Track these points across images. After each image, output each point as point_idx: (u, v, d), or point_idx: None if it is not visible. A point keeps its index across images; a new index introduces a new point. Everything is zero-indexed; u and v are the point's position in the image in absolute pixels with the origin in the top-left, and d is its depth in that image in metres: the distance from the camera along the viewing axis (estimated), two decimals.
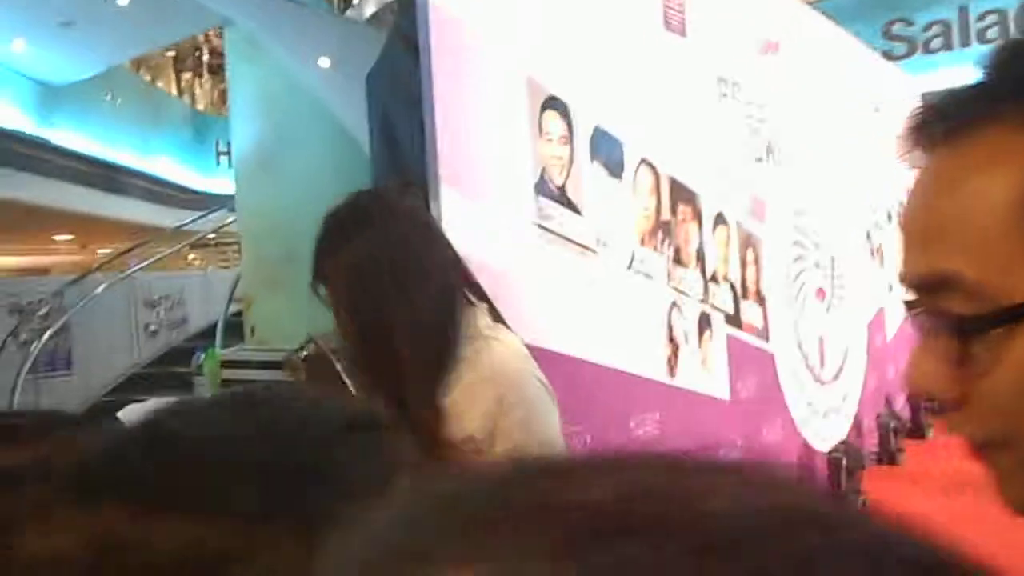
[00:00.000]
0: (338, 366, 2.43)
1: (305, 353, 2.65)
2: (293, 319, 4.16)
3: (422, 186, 2.74)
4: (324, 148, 5.43)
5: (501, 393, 1.53)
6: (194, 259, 14.32)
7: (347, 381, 2.41)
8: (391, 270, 1.58)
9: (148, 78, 13.06)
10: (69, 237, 13.24)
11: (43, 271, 15.76)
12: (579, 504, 0.25)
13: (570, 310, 3.00)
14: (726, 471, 0.27)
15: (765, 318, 4.32)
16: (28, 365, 6.46)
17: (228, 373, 4.07)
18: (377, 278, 1.58)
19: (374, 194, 1.90)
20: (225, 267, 13.12)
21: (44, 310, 8.50)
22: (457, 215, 2.70)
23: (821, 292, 5.01)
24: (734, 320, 4.03)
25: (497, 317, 1.67)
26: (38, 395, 6.35)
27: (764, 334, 4.31)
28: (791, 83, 4.72)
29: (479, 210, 2.75)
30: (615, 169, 3.29)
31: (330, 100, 5.21)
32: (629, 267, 3.32)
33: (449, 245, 1.69)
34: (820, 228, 5.05)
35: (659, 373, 3.46)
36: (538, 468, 0.28)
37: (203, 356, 4.07)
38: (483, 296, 1.68)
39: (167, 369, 7.75)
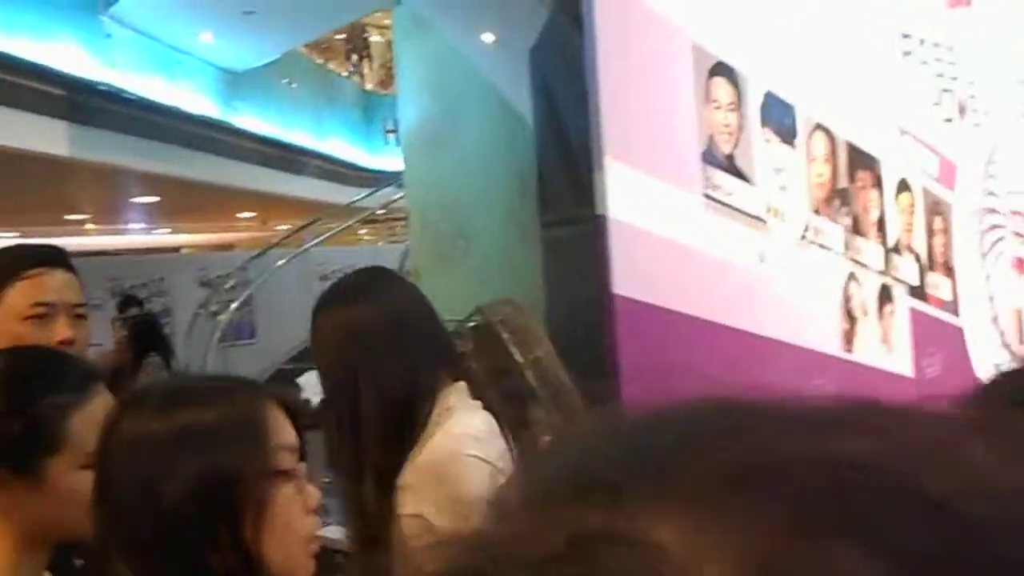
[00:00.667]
0: (504, 336, 2.45)
1: (473, 324, 2.69)
2: (460, 291, 4.23)
3: (586, 158, 2.71)
4: (489, 123, 5.47)
5: (439, 473, 1.54)
6: (364, 234, 14.86)
7: (513, 351, 2.43)
8: (371, 336, 1.61)
9: (320, 61, 13.59)
10: (251, 215, 14.00)
11: (228, 247, 16.76)
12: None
13: (740, 283, 2.90)
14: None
15: (954, 291, 4.04)
16: (218, 335, 6.89)
17: None
18: (356, 342, 1.62)
19: (380, 270, 2.00)
20: (394, 241, 13.55)
21: (230, 283, 9.05)
22: (623, 187, 2.66)
23: (1020, 263, 4.64)
24: (919, 293, 3.80)
25: (479, 394, 1.68)
26: (226, 363, 6.76)
27: (953, 308, 4.04)
28: (985, 38, 4.37)
29: (645, 182, 2.70)
30: (787, 135, 3.15)
31: (495, 75, 5.24)
32: (803, 238, 3.18)
33: (439, 322, 1.74)
34: (1018, 194, 4.67)
35: (835, 348, 3.31)
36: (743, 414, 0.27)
37: None
38: (464, 374, 1.70)
39: None
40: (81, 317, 1.73)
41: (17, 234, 12.08)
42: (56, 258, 1.76)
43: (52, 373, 1.29)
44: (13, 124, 6.88)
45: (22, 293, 1.67)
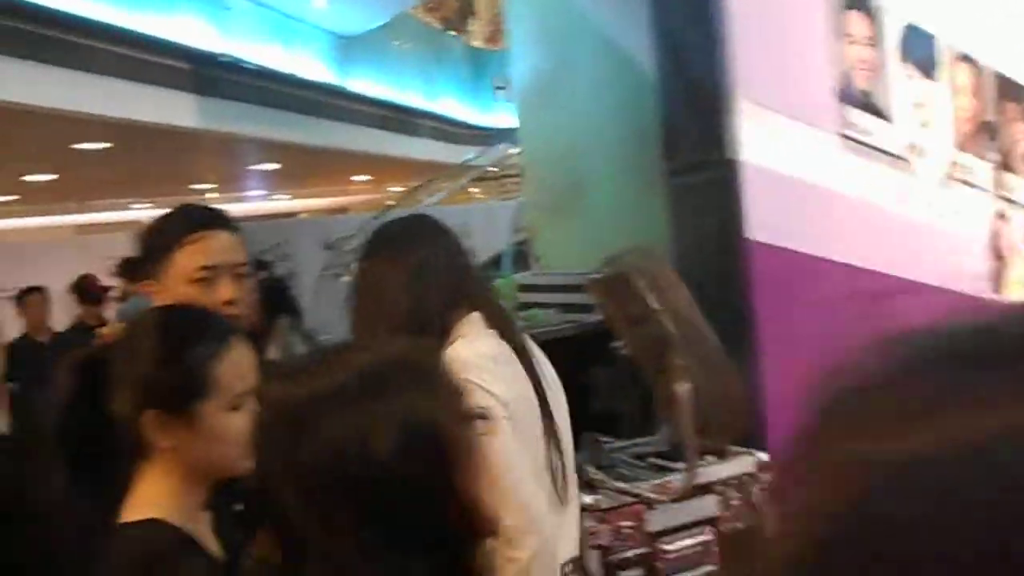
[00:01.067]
0: (639, 284, 2.43)
1: (604, 274, 2.68)
2: (578, 245, 4.21)
3: (715, 101, 2.64)
4: (604, 72, 5.38)
5: None
6: (477, 193, 14.95)
7: (649, 298, 2.41)
8: (386, 289, 1.81)
9: (429, 20, 13.63)
10: (366, 178, 14.24)
11: (342, 210, 17.14)
12: None
13: (881, 224, 2.79)
14: None
15: None
16: (343, 296, 7.03)
17: (522, 297, 4.24)
18: (370, 294, 1.84)
19: (412, 221, 2.18)
20: (506, 199, 13.60)
21: (350, 246, 9.25)
22: (754, 129, 2.58)
23: None
24: None
25: (496, 324, 1.82)
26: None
27: None
28: None
29: (778, 122, 2.62)
30: (928, 68, 2.99)
31: (609, 22, 5.15)
32: (947, 176, 3.03)
33: (461, 264, 1.90)
34: None
35: (983, 289, 3.15)
36: None
37: (498, 281, 4.22)
38: (484, 305, 1.85)
39: None
40: (242, 276, 1.79)
41: (149, 205, 12.64)
42: (220, 220, 1.84)
43: (198, 326, 1.42)
44: (142, 98, 7.17)
45: (189, 256, 1.74)
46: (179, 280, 1.75)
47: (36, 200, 12.61)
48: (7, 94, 6.07)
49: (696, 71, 2.78)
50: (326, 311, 7.56)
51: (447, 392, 1.06)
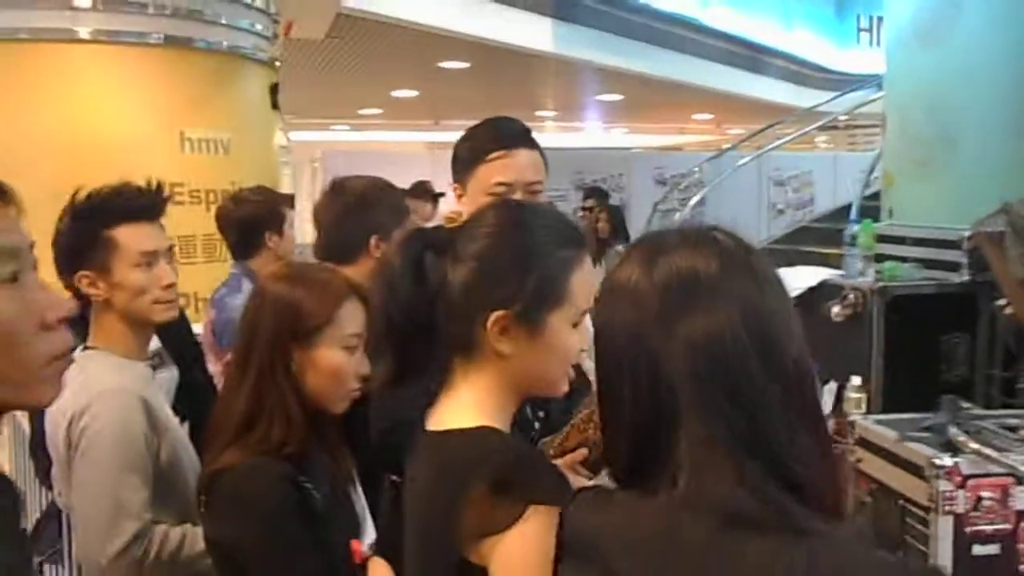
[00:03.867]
0: None
1: (991, 228, 2.42)
2: (942, 198, 3.88)
3: None
4: (998, 11, 4.82)
5: None
6: (821, 142, 14.19)
7: None
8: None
9: None
10: (707, 116, 13.97)
11: (676, 149, 16.99)
12: None
13: None
14: None
15: None
16: None
17: (879, 247, 3.96)
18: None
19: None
20: (852, 150, 12.78)
21: (684, 183, 9.17)
22: None
23: None
24: None
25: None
26: None
27: None
28: None
29: None
30: None
31: None
32: None
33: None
34: None
35: None
36: None
37: (857, 228, 3.98)
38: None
39: (794, 247, 7.85)
40: (537, 193, 1.94)
41: None
42: (523, 139, 1.99)
43: (553, 226, 1.31)
44: (504, 19, 7.46)
45: (489, 171, 1.94)
46: (479, 191, 1.93)
47: (396, 115, 13.68)
48: (375, 6, 6.52)
49: None
50: None
51: None
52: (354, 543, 1.62)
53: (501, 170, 1.93)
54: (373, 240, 2.40)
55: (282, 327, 1.60)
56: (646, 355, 0.94)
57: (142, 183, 1.99)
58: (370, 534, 1.70)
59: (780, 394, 0.92)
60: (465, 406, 1.26)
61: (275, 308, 1.62)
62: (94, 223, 1.91)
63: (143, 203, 1.96)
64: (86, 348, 1.93)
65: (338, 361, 1.62)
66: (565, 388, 1.33)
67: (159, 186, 1.99)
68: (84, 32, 3.99)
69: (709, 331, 0.92)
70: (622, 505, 0.98)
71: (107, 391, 1.84)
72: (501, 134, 1.99)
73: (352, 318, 1.64)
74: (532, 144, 2.01)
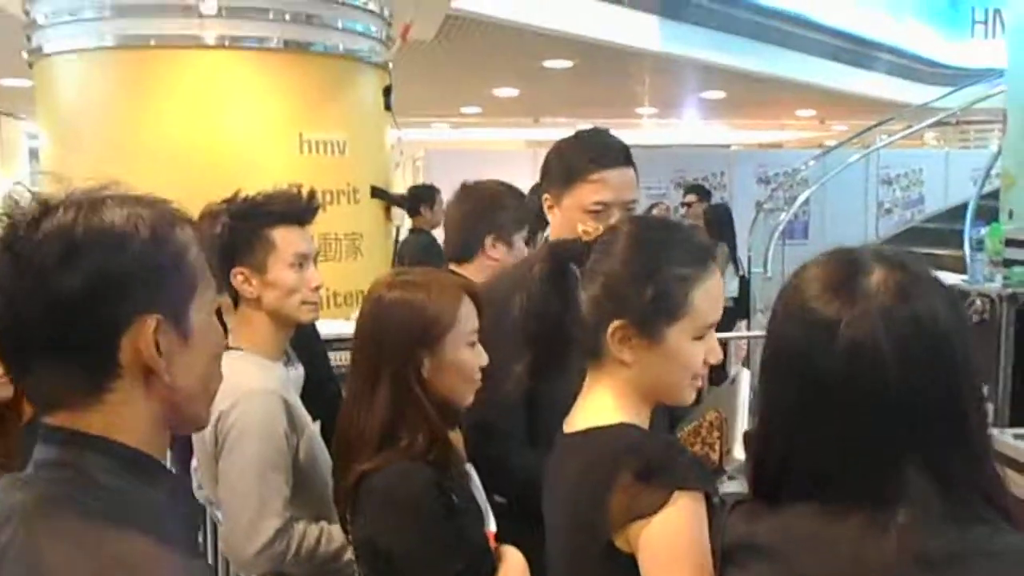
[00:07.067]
0: None
1: None
2: None
3: None
4: None
5: None
6: (931, 138, 13.72)
7: None
8: None
9: None
10: (810, 112, 13.63)
11: (776, 145, 16.64)
12: None
13: None
14: None
15: None
16: (778, 232, 6.89)
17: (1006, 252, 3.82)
18: None
19: None
20: (965, 148, 12.30)
21: (789, 182, 9.01)
22: None
23: None
24: None
25: None
26: (783, 260, 6.76)
27: None
28: None
29: None
30: None
31: None
32: None
33: None
34: None
35: None
36: None
37: (984, 231, 3.85)
38: None
39: (903, 248, 7.63)
40: (630, 211, 1.97)
41: (589, 125, 13.22)
42: (624, 158, 2.00)
43: (678, 244, 1.36)
44: (609, 18, 7.45)
45: (589, 192, 1.95)
46: (575, 207, 1.96)
47: (496, 113, 13.76)
48: (483, 7, 6.57)
49: None
50: (758, 244, 7.47)
51: None
52: (488, 532, 1.67)
53: (599, 190, 1.95)
54: (489, 240, 2.47)
55: (411, 335, 1.62)
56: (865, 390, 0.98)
57: (293, 190, 2.10)
58: (490, 516, 1.73)
59: (979, 422, 0.98)
60: (603, 407, 1.34)
61: (399, 316, 1.63)
62: (254, 223, 1.99)
63: (299, 208, 2.04)
64: (228, 348, 2.02)
65: (465, 359, 1.67)
66: (691, 398, 1.38)
67: (311, 194, 2.07)
68: (210, 38, 4.13)
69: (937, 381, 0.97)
70: (803, 518, 1.01)
71: (254, 391, 1.91)
72: (599, 154, 1.99)
73: (470, 315, 1.69)
74: (629, 162, 2.02)
